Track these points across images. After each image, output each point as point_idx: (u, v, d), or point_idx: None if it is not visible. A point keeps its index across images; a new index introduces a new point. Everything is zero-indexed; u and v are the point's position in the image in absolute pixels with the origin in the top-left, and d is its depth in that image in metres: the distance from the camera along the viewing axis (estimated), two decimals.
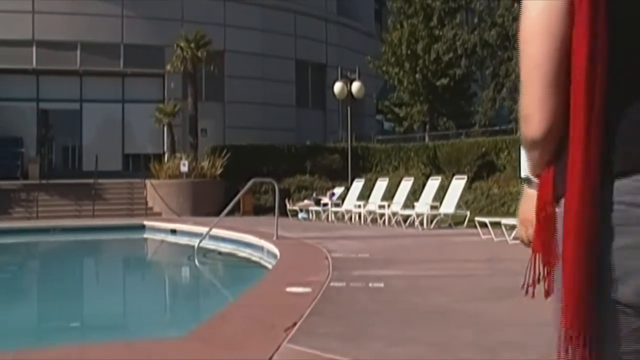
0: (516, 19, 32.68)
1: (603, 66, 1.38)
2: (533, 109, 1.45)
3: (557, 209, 1.47)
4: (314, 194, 23.60)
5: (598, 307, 1.38)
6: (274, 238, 13.25)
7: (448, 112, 31.22)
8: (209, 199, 23.72)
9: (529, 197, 1.70)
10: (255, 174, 18.65)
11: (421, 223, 16.96)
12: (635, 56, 1.41)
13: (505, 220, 12.91)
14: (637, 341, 1.39)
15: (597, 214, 1.37)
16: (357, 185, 21.67)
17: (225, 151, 26.19)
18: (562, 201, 1.42)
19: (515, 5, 32.00)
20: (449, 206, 17.15)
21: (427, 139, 29.63)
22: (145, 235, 20.63)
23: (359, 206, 19.91)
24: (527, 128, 1.46)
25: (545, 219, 1.52)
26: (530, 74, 1.46)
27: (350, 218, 20.02)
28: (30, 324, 8.65)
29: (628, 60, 1.41)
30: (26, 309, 9.79)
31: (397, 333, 5.22)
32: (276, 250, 11.69)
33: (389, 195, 19.62)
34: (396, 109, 31.89)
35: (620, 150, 1.38)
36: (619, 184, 1.37)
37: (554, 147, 1.46)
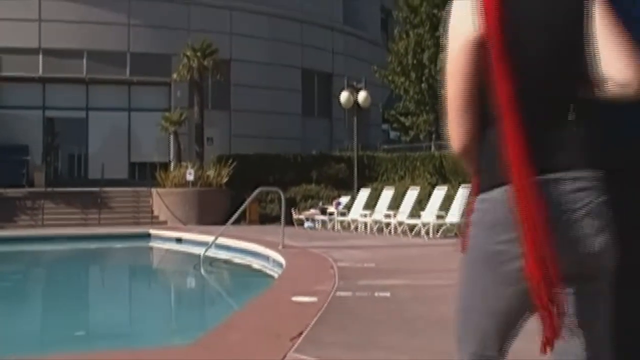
0: None
1: (514, 101, 1.80)
2: (452, 132, 1.91)
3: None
4: (320, 203, 23.57)
5: None
6: (280, 247, 13.23)
7: None
8: (215, 208, 23.72)
9: None
10: (261, 183, 18.65)
11: (427, 232, 16.93)
12: (529, 91, 1.83)
13: None
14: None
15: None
16: (363, 194, 21.64)
17: (231, 160, 26.20)
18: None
19: None
20: (455, 215, 17.11)
21: (433, 148, 29.59)
22: (151, 244, 20.62)
23: (365, 215, 19.88)
24: (451, 145, 1.92)
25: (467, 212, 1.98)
26: (449, 105, 1.90)
27: (356, 227, 19.99)
28: (35, 331, 8.64)
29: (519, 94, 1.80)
30: (31, 317, 9.78)
31: (403, 342, 5.19)
32: (282, 260, 11.67)
33: (395, 204, 19.58)
34: (402, 119, 31.85)
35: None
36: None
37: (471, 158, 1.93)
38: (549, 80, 1.88)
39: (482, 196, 1.90)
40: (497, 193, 1.84)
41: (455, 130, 1.90)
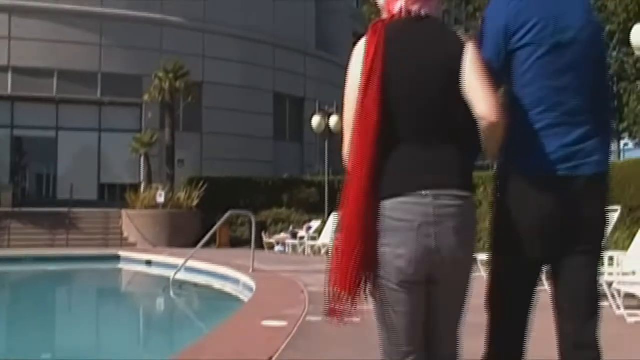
0: None
1: (377, 133, 2.40)
2: (345, 150, 2.58)
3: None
4: (291, 227, 23.56)
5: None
6: (250, 271, 13.20)
7: None
8: (186, 230, 23.60)
9: None
10: (232, 206, 18.59)
11: None
12: (396, 122, 2.43)
13: (480, 256, 12.95)
14: (397, 304, 2.49)
15: (368, 222, 2.43)
16: (334, 219, 21.63)
17: (202, 182, 26.12)
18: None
19: None
20: None
21: None
22: (120, 266, 20.45)
23: None
24: (345, 160, 2.59)
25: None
26: (345, 129, 2.58)
27: (327, 252, 19.98)
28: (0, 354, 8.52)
29: (394, 126, 2.43)
30: None
31: None
32: (252, 283, 11.64)
33: None
34: None
35: (385, 181, 2.41)
36: (384, 203, 2.41)
37: None
38: (421, 115, 2.44)
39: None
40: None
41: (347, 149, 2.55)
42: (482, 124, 2.37)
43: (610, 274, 8.72)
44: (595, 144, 2.59)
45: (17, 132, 32.28)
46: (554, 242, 2.57)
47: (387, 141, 2.42)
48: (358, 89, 2.46)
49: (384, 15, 2.61)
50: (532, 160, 2.56)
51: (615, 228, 10.32)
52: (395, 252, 2.39)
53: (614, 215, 10.17)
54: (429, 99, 2.43)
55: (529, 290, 2.65)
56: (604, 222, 2.69)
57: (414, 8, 2.51)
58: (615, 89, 27.55)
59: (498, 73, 2.54)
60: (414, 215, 2.36)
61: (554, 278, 2.67)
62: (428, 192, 2.37)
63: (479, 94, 2.37)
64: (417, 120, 2.44)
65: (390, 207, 2.40)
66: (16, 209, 26.70)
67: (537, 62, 2.56)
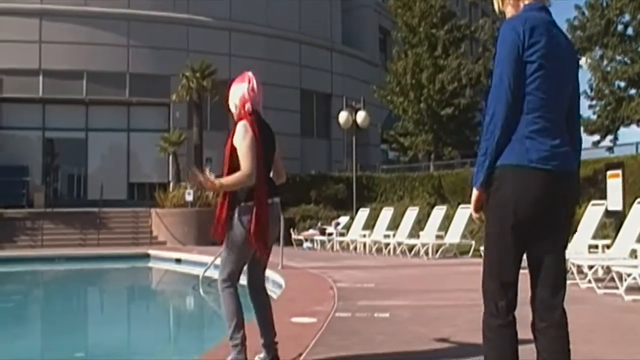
0: None
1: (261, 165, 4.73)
2: (253, 171, 4.62)
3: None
4: (319, 224, 23.55)
5: None
6: (279, 267, 13.21)
7: (453, 141, 31.22)
8: None
9: None
10: None
11: (426, 253, 16.92)
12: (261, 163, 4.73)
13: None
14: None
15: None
16: (362, 214, 21.64)
17: None
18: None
19: None
20: (454, 236, 17.11)
21: (431, 168, 29.63)
22: (150, 264, 20.59)
23: (364, 236, 19.88)
24: (250, 180, 4.62)
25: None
26: (247, 155, 4.65)
27: (355, 248, 19.97)
28: (35, 353, 8.62)
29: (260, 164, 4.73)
30: (31, 338, 9.75)
31: None
32: (281, 280, 11.65)
33: (394, 224, 19.58)
34: (401, 139, 31.93)
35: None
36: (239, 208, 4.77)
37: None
38: (268, 163, 4.89)
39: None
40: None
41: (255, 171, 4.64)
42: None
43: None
44: (571, 150, 3.28)
45: (48, 134, 32.66)
46: (541, 222, 3.20)
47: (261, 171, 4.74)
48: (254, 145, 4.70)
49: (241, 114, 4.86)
50: (530, 154, 3.15)
51: None
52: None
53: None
54: (271, 156, 4.97)
55: (519, 261, 3.29)
56: (574, 212, 3.47)
57: (257, 108, 4.95)
58: None
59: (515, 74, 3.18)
60: (273, 209, 4.86)
61: (534, 254, 3.29)
62: (273, 199, 4.86)
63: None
64: (265, 165, 4.81)
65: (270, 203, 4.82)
66: (48, 210, 27.01)
67: (539, 77, 3.18)
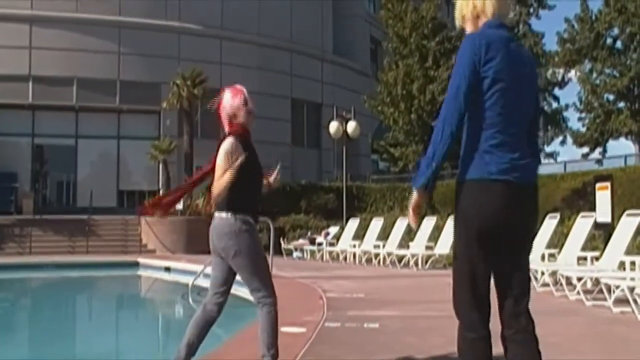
0: None
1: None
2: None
3: None
4: (309, 233, 23.54)
5: None
6: None
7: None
8: (204, 237, 23.04)
9: None
10: None
11: (416, 263, 16.93)
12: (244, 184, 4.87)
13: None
14: None
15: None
16: (352, 224, 21.63)
17: None
18: None
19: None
20: (444, 246, 17.12)
21: None
22: (139, 273, 20.52)
23: (354, 246, 19.88)
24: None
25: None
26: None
27: (345, 258, 19.97)
28: None
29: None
30: (17, 347, 9.68)
31: None
32: None
33: (384, 235, 19.59)
34: (391, 149, 31.96)
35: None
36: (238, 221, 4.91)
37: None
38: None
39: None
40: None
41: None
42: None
43: (633, 279, 8.66)
44: (530, 162, 3.35)
45: (37, 141, 32.56)
46: (504, 232, 3.27)
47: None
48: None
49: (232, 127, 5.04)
50: (489, 167, 3.25)
51: (638, 232, 10.28)
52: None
53: (636, 219, 10.15)
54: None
55: (488, 272, 3.37)
56: (536, 221, 3.49)
57: (248, 127, 5.23)
58: None
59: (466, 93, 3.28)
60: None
61: (498, 263, 3.35)
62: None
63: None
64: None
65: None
66: (37, 216, 26.90)
67: (496, 92, 3.26)
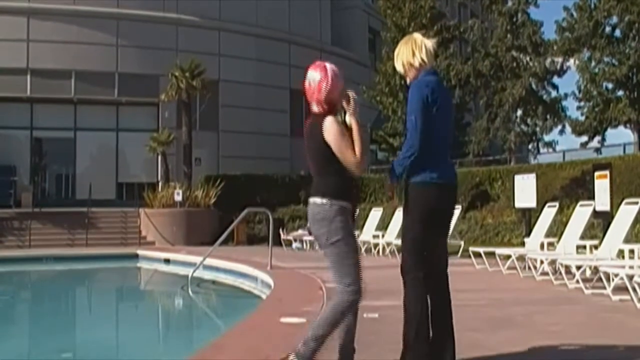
0: (509, 49, 32.85)
1: None
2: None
3: None
4: (308, 224, 23.48)
5: None
6: (268, 268, 13.20)
7: None
8: (203, 229, 23.67)
9: None
10: (249, 204, 18.63)
11: None
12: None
13: (499, 250, 12.91)
14: None
15: None
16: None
17: (219, 180, 26.19)
18: None
19: (509, 36, 32.32)
20: None
21: None
22: (138, 265, 20.54)
23: None
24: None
25: None
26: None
27: None
28: (22, 353, 8.57)
29: None
30: (18, 339, 9.70)
31: None
32: (270, 280, 11.65)
33: (383, 225, 19.59)
34: (390, 139, 31.96)
35: None
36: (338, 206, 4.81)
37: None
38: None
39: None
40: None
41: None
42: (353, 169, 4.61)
43: (632, 267, 8.67)
44: (453, 167, 5.04)
45: (36, 134, 32.51)
46: (439, 218, 4.78)
47: None
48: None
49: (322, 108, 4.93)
50: (437, 172, 4.68)
51: (637, 220, 10.29)
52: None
53: (635, 208, 10.15)
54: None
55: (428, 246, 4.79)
56: (454, 211, 5.15)
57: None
58: None
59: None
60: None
61: (433, 240, 4.76)
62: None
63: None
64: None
65: None
66: (36, 210, 26.89)
67: (437, 121, 4.62)
